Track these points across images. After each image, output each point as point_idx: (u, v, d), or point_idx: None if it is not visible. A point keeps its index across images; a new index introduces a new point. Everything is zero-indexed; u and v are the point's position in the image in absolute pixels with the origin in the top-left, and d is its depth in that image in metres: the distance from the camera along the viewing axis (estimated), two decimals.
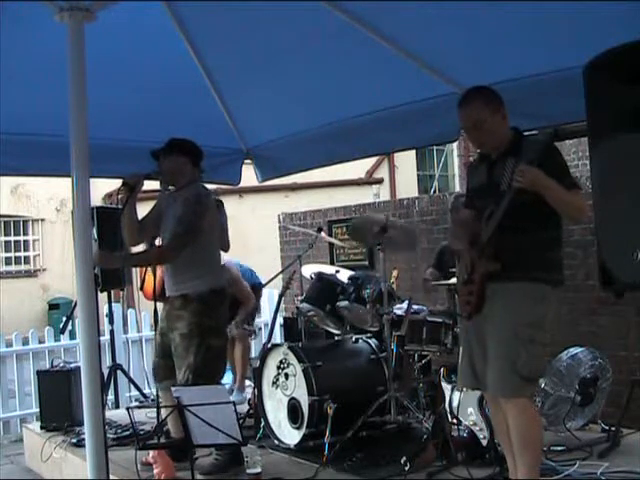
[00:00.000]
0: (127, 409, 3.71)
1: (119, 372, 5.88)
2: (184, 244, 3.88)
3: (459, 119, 3.19)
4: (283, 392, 4.35)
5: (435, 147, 16.93)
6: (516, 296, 2.99)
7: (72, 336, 6.61)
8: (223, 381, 4.60)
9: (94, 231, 5.16)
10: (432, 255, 5.57)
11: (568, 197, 2.93)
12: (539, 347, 2.99)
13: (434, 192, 15.95)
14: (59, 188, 14.42)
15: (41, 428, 5.23)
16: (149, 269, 5.00)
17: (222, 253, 4.61)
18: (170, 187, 4.23)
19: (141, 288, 5.29)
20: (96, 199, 11.20)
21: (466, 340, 3.26)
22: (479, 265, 3.05)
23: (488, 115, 3.06)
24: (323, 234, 5.68)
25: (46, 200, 15.63)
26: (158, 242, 4.29)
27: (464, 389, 3.74)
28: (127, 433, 4.67)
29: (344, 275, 4.98)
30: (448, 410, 4.01)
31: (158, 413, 3.95)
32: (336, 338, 4.91)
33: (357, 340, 4.67)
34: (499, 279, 3.00)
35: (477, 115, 3.06)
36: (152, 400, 5.40)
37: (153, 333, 4.84)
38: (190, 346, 3.87)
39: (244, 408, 4.98)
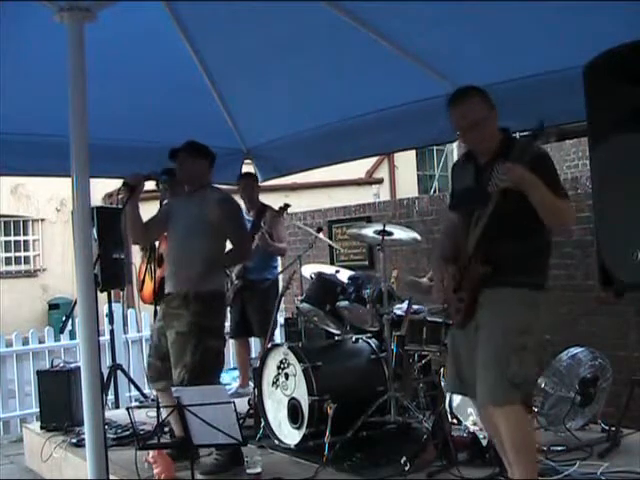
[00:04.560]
0: (127, 409, 3.71)
1: (119, 372, 5.88)
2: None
3: (455, 118, 3.03)
4: (283, 392, 4.35)
5: (435, 147, 16.92)
6: (507, 302, 2.93)
7: (72, 336, 6.61)
8: (226, 382, 4.62)
9: (94, 231, 5.16)
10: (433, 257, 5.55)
11: (554, 201, 2.83)
12: (530, 354, 2.93)
13: (434, 192, 15.92)
14: (59, 188, 14.42)
15: (41, 428, 5.22)
16: (147, 272, 5.03)
17: None
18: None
19: (140, 290, 5.29)
20: (96, 199, 11.19)
21: (452, 346, 3.18)
22: (469, 271, 2.98)
23: (487, 112, 2.97)
24: (322, 234, 5.67)
25: (46, 200, 15.64)
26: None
27: None
28: (127, 433, 4.67)
29: (344, 275, 4.98)
30: (448, 410, 4.02)
31: (158, 413, 3.95)
32: (336, 338, 4.90)
33: (357, 340, 4.67)
34: (489, 285, 2.95)
35: (478, 113, 2.94)
36: (152, 400, 5.40)
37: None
38: (187, 345, 3.88)
39: (244, 406, 4.98)
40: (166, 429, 4.31)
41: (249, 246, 4.28)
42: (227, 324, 6.40)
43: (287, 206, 5.48)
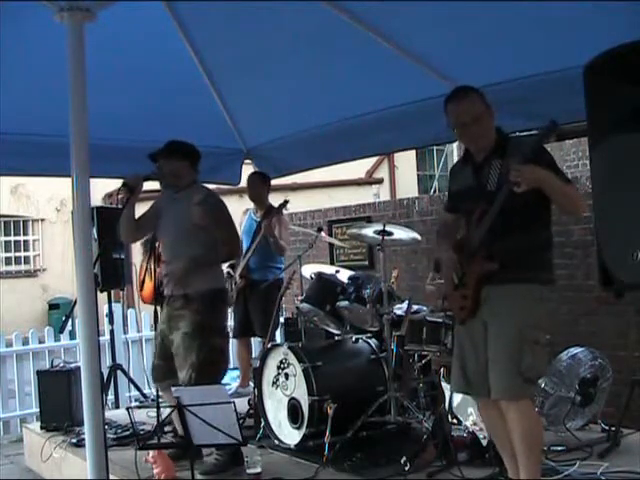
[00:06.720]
0: (127, 409, 3.71)
1: (119, 372, 5.88)
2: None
3: (455, 115, 3.07)
4: (283, 392, 4.35)
5: (435, 147, 16.93)
6: (516, 298, 2.97)
7: (72, 336, 6.61)
8: (226, 382, 4.61)
9: (94, 231, 5.16)
10: (432, 259, 5.54)
11: (567, 189, 2.92)
12: (541, 348, 2.98)
13: (434, 192, 15.92)
14: (59, 188, 14.40)
15: (41, 428, 5.22)
16: (149, 271, 5.05)
17: None
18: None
19: (140, 290, 5.29)
20: (96, 199, 11.19)
21: (457, 344, 3.21)
22: (472, 267, 3.01)
23: (485, 109, 3.04)
24: (323, 234, 5.67)
25: (46, 200, 15.63)
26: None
27: None
28: (127, 433, 4.67)
29: (344, 275, 4.98)
30: (448, 410, 4.02)
31: (158, 413, 3.95)
32: (336, 338, 4.91)
33: (357, 340, 4.67)
34: (494, 281, 2.97)
35: (477, 109, 3.01)
36: (152, 400, 5.40)
37: (153, 333, 4.85)
38: (192, 345, 3.89)
39: (244, 406, 4.98)
40: (166, 429, 4.31)
41: (236, 242, 4.22)
42: (230, 323, 6.44)
43: (286, 202, 5.50)
